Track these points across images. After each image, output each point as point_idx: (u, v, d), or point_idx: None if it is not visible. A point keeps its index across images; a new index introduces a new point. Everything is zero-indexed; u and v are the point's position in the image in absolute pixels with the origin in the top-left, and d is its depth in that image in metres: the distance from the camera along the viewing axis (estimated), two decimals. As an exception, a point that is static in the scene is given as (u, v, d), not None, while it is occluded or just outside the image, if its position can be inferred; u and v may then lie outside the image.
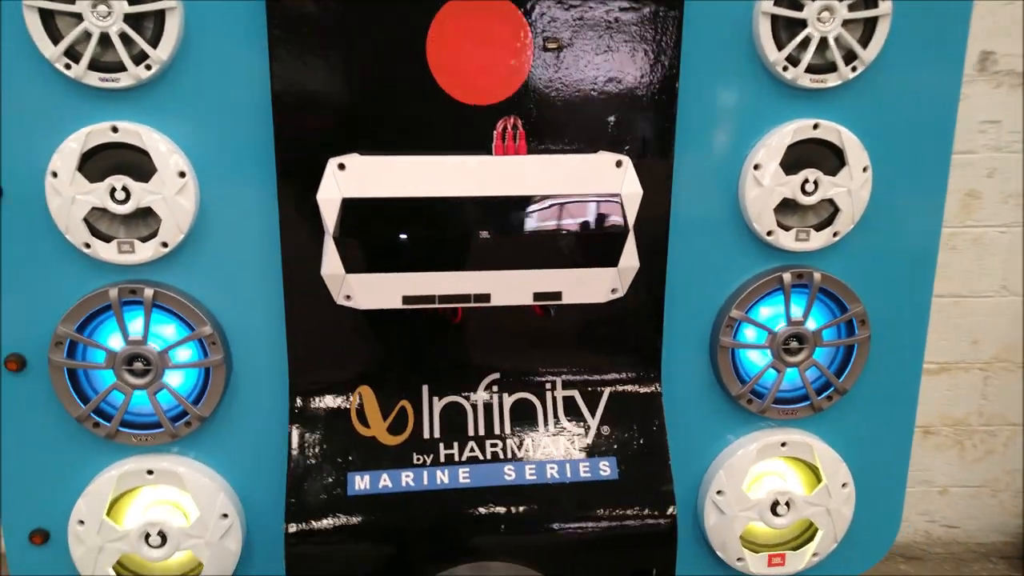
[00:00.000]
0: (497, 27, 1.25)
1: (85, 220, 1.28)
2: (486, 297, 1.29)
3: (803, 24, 1.32)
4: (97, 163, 1.27)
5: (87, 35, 1.22)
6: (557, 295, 1.30)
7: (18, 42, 1.22)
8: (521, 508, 1.32)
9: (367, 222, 1.23)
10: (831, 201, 1.40)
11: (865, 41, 1.35)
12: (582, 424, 1.38)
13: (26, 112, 1.25)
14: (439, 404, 1.36)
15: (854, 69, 1.35)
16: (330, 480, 1.31)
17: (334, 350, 1.35)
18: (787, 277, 1.41)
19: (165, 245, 1.30)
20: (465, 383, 1.38)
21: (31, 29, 1.20)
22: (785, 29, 1.33)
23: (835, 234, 1.42)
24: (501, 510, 1.31)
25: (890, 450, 1.54)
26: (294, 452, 1.32)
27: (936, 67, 1.39)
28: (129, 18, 1.22)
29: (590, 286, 1.30)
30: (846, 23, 1.33)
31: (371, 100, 1.25)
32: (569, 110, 1.29)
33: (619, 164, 1.27)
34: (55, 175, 1.25)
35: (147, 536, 1.38)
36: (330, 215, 1.22)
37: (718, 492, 1.48)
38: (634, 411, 1.39)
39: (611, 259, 1.29)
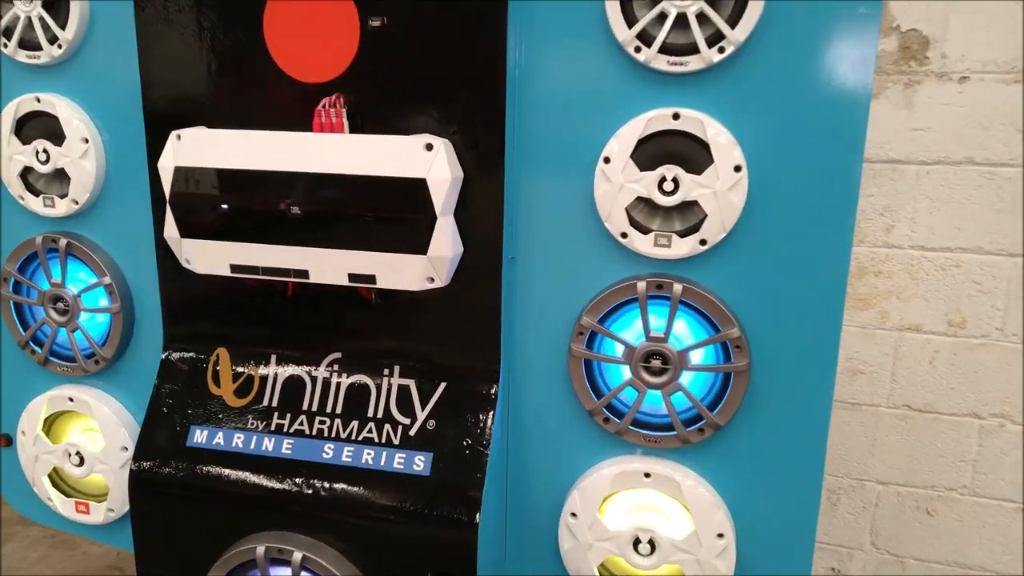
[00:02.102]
0: (327, 6, 1.25)
1: (21, 176, 1.50)
2: (304, 273, 1.30)
3: (659, -1, 1.16)
4: (33, 128, 1.49)
5: (17, 18, 1.43)
6: (371, 278, 1.28)
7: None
8: (328, 486, 1.32)
9: (194, 190, 1.31)
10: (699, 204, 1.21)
11: (735, 19, 1.14)
12: (410, 415, 1.34)
13: (-17, 84, 1.50)
14: (284, 374, 1.40)
15: (721, 51, 1.16)
16: (176, 429, 1.41)
17: (198, 312, 1.44)
18: (641, 286, 1.25)
19: (76, 202, 1.48)
20: (310, 358, 1.40)
21: (-23, 14, 1.45)
22: (642, 5, 1.18)
23: (703, 242, 1.22)
24: (311, 485, 1.33)
25: (790, 503, 1.30)
26: (155, 399, 1.44)
27: (839, 54, 1.13)
28: (49, 5, 1.41)
29: (403, 273, 1.26)
30: (715, -2, 1.15)
31: (217, 78, 1.32)
32: (395, 90, 1.25)
33: (429, 147, 1.21)
34: (-2, 138, 1.50)
35: (69, 454, 1.59)
36: (167, 181, 1.32)
37: (572, 514, 1.35)
38: (464, 410, 1.32)
39: (420, 246, 1.24)
